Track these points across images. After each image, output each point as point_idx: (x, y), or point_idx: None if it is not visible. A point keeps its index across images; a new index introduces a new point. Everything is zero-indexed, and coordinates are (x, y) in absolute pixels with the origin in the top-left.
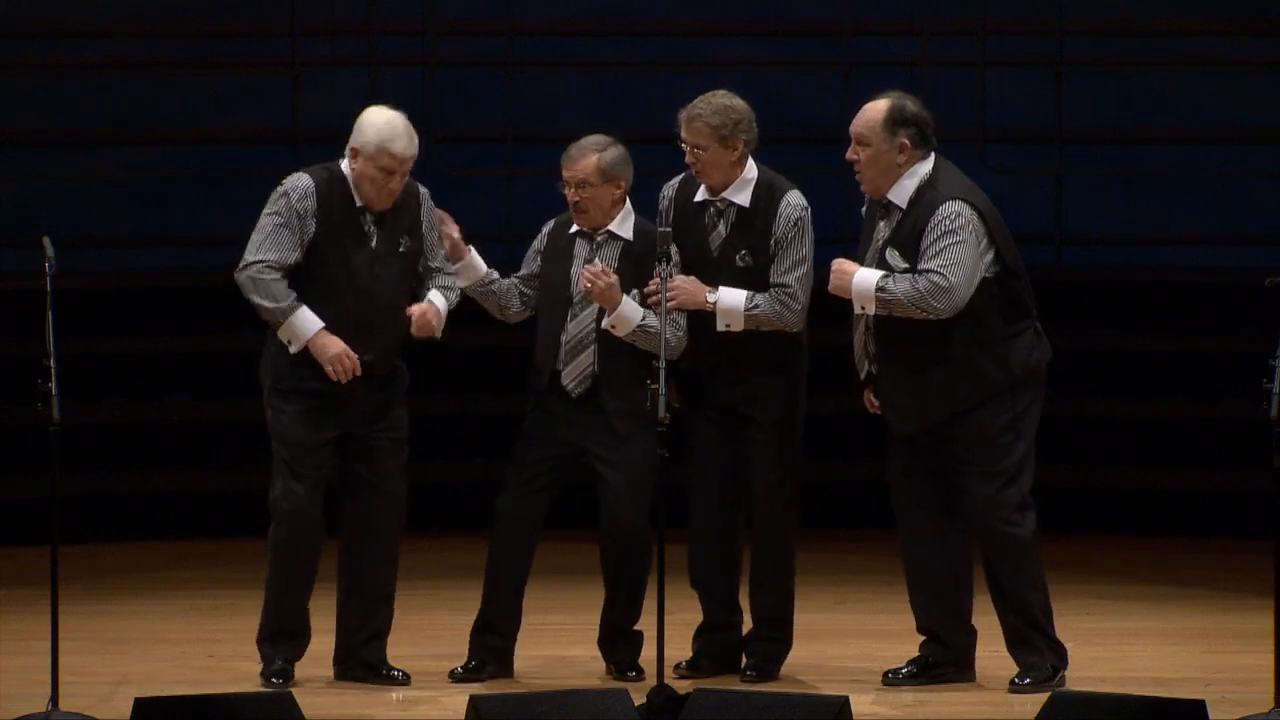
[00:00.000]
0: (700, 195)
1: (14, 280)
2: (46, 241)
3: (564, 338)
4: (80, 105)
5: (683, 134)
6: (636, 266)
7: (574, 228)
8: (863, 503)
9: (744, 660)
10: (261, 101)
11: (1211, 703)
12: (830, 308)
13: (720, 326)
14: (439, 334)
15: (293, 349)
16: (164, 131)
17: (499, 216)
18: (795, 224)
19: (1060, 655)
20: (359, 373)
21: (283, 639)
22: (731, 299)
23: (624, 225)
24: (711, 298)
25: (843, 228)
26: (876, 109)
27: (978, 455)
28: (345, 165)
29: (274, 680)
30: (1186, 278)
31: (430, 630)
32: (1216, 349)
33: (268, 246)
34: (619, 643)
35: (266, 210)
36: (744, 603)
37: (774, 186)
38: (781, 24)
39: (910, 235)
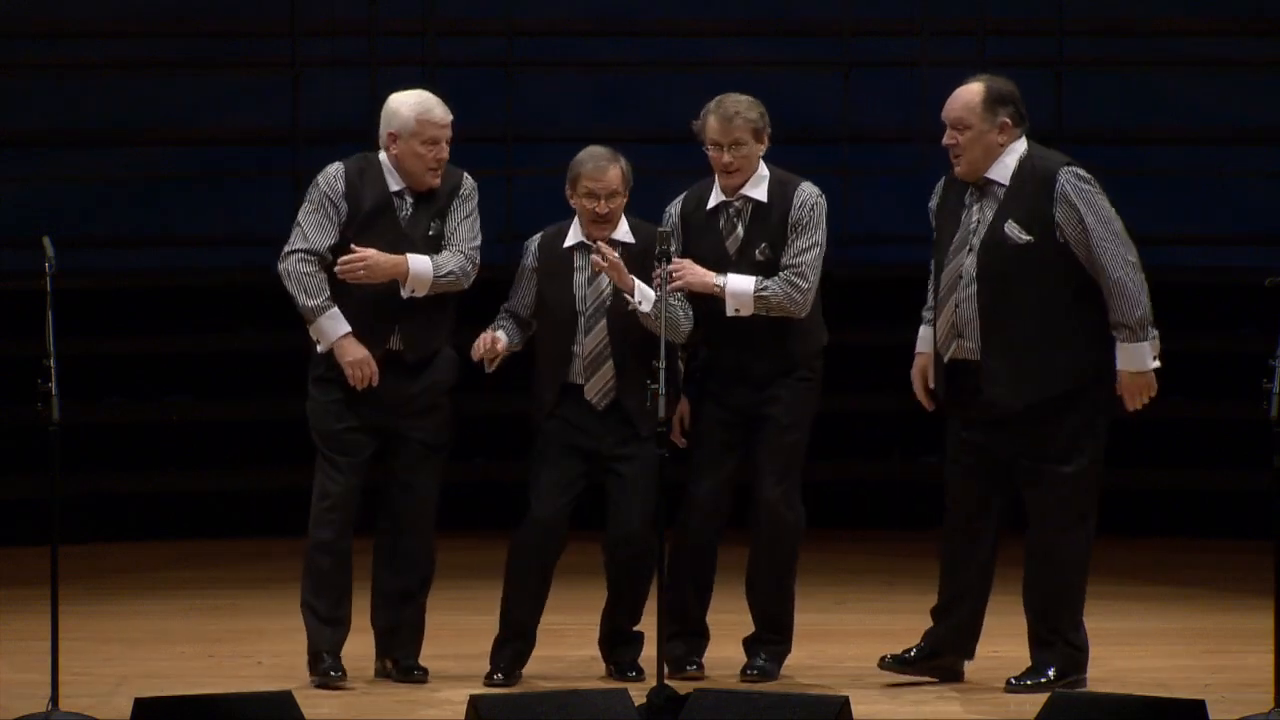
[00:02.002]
0: (713, 201)
1: (14, 280)
2: (46, 241)
3: (578, 350)
4: (80, 105)
5: (716, 136)
6: (641, 265)
7: (568, 242)
8: (863, 503)
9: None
10: (261, 101)
11: (1211, 703)
12: (829, 308)
13: (730, 311)
14: (371, 274)
15: (320, 348)
16: (164, 131)
17: (499, 216)
18: (811, 209)
19: (1076, 662)
20: (374, 383)
21: (324, 627)
22: (740, 283)
23: (622, 229)
24: (719, 280)
25: (843, 228)
26: (972, 92)
27: (1056, 454)
28: (382, 154)
29: (331, 675)
30: (1186, 278)
31: (430, 630)
32: (1216, 349)
33: (304, 235)
34: (619, 643)
35: (306, 200)
36: (740, 603)
37: (786, 181)
38: (781, 24)
39: (1029, 203)
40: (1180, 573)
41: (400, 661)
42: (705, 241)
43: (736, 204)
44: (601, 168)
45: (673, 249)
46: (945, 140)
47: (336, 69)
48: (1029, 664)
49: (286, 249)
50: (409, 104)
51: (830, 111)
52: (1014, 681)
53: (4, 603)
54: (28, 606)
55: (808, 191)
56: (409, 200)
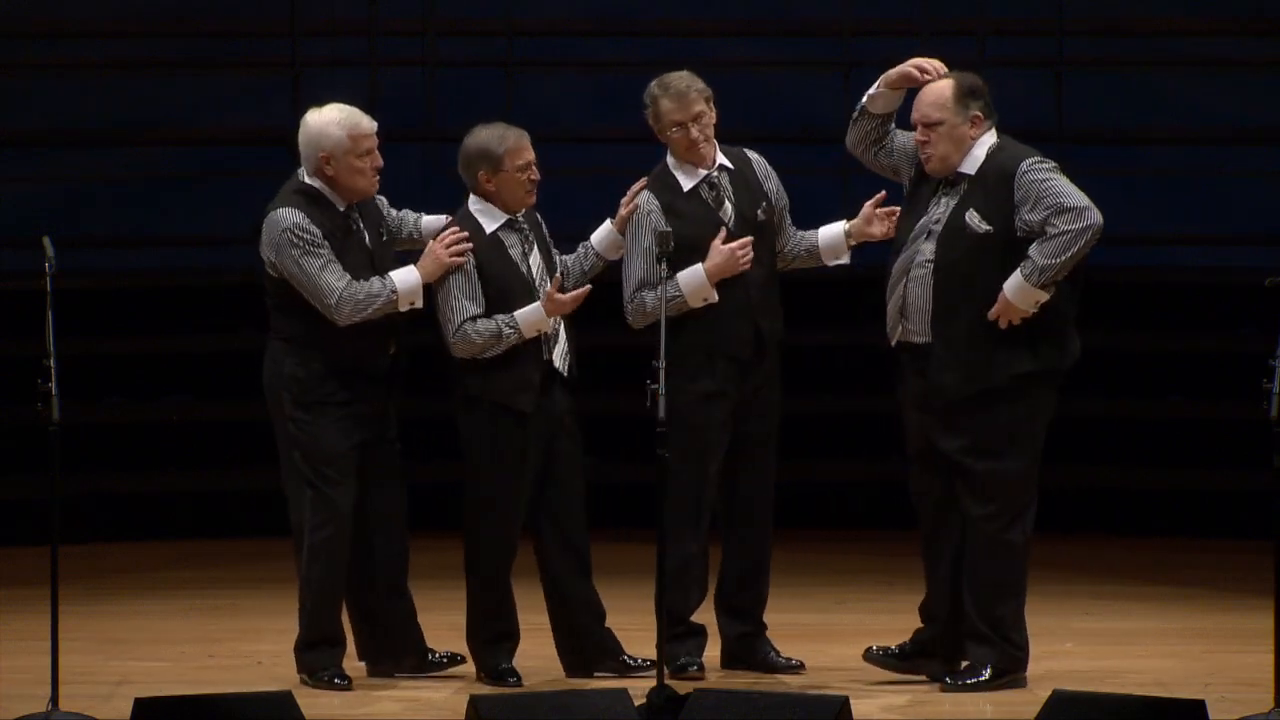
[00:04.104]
0: (690, 182)
1: (14, 280)
2: (46, 241)
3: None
4: (80, 105)
5: (678, 116)
6: (547, 245)
7: (491, 227)
8: (863, 503)
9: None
10: (261, 101)
11: (1211, 703)
12: (830, 307)
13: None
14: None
15: (419, 301)
16: (164, 131)
17: None
18: (776, 175)
19: (1015, 661)
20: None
21: (326, 647)
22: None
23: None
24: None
25: None
26: (942, 87)
27: (994, 451)
28: (308, 179)
29: (336, 682)
30: (1186, 278)
31: (427, 629)
32: (1216, 349)
33: (333, 281)
34: (603, 633)
35: (299, 258)
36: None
37: (731, 148)
38: (781, 24)
39: (991, 194)
40: (1180, 573)
41: (430, 654)
42: (698, 222)
43: (714, 175)
44: (524, 136)
45: (672, 248)
46: (917, 137)
47: (336, 69)
48: (967, 661)
49: (330, 302)
50: (335, 121)
51: (830, 111)
52: (950, 681)
53: (4, 603)
54: (28, 606)
55: (757, 154)
56: (356, 215)
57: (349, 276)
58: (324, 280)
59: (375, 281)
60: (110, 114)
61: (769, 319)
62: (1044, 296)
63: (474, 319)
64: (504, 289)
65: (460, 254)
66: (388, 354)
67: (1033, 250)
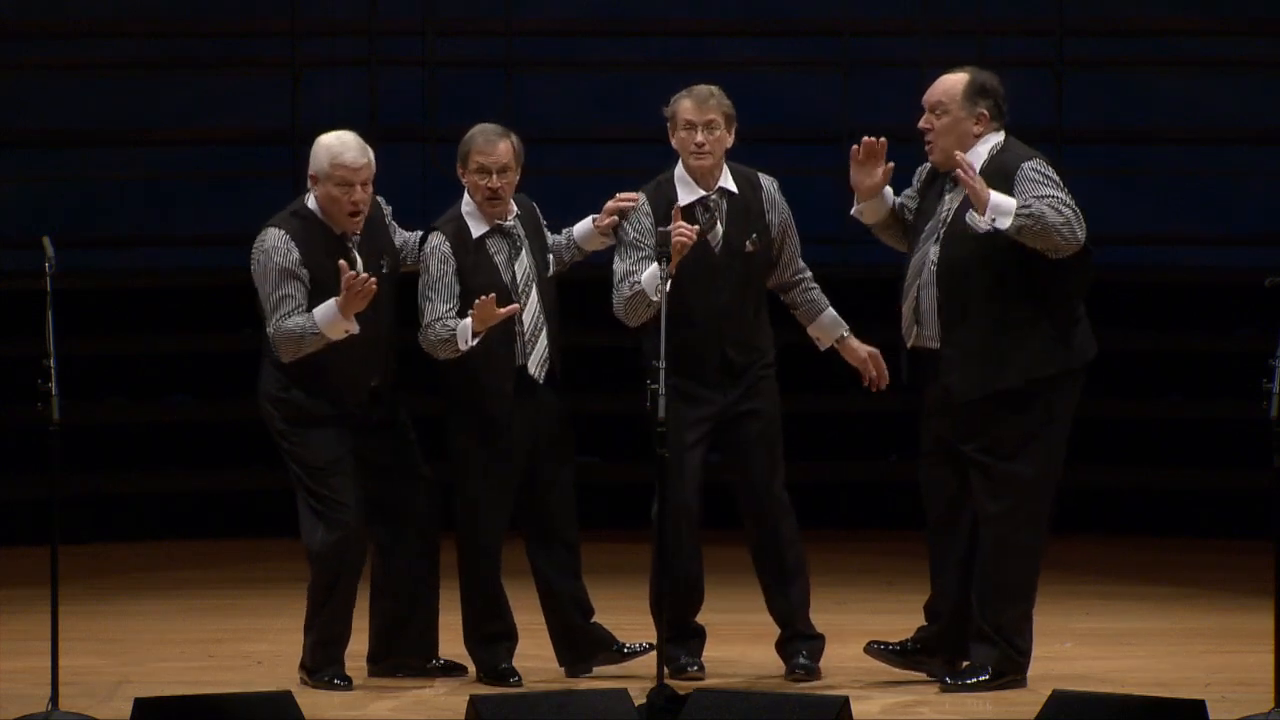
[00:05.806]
0: (687, 198)
1: (14, 280)
2: (46, 241)
3: (519, 329)
4: (80, 105)
5: (691, 115)
6: (542, 245)
7: (477, 233)
8: (862, 503)
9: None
10: (261, 101)
11: (1211, 703)
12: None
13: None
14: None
15: (335, 336)
16: (164, 131)
17: None
18: (786, 206)
19: (1015, 664)
20: (374, 285)
21: (334, 645)
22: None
23: (514, 209)
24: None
25: (843, 227)
26: (956, 79)
27: (1006, 453)
28: (309, 202)
29: (336, 683)
30: (1186, 278)
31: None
32: (1216, 349)
33: (280, 315)
34: (592, 627)
35: (264, 285)
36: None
37: (744, 171)
38: (781, 24)
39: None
40: (1180, 573)
41: (435, 660)
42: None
43: (712, 198)
44: (491, 141)
45: (669, 249)
46: (921, 124)
47: (336, 69)
48: (968, 661)
49: (269, 332)
50: (325, 145)
51: (830, 111)
52: (949, 681)
53: (4, 603)
54: (28, 606)
55: (774, 185)
56: (353, 244)
57: (292, 312)
58: (271, 310)
59: (307, 321)
60: (110, 114)
61: (738, 350)
62: (999, 222)
63: (440, 319)
64: (480, 291)
65: (362, 292)
66: (369, 387)
67: (1037, 202)
